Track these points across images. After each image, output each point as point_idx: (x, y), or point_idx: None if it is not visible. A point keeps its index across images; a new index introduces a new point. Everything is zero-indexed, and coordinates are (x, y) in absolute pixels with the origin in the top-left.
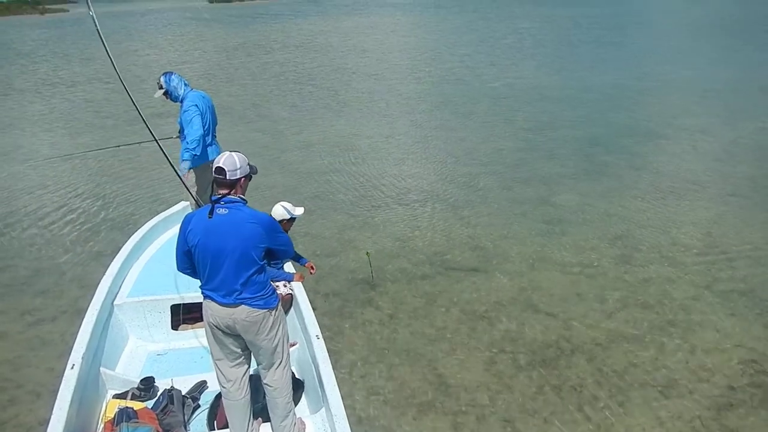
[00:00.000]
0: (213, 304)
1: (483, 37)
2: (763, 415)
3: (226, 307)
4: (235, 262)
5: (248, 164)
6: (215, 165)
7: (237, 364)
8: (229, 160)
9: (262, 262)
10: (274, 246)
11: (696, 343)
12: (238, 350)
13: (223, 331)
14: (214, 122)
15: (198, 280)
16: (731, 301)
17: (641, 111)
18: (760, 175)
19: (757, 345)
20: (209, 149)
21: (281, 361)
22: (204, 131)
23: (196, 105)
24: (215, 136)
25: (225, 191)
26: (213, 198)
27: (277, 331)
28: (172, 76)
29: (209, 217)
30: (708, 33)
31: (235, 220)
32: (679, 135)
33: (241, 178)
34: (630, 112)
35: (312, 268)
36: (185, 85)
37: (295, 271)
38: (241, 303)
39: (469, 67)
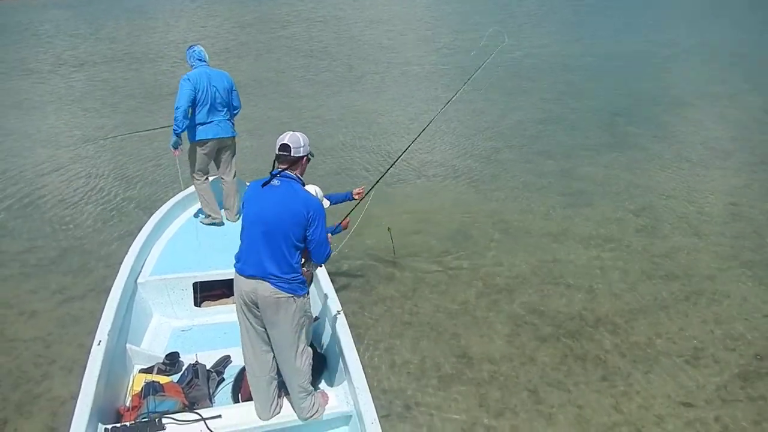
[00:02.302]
0: (240, 276)
1: (503, 3)
2: None
3: (251, 279)
4: (271, 235)
5: (309, 146)
6: (279, 142)
7: (263, 342)
8: (294, 138)
9: (298, 244)
10: (309, 234)
11: (722, 313)
12: (263, 331)
13: (249, 307)
14: (222, 100)
15: (216, 260)
16: (758, 271)
17: (666, 79)
18: None
19: None
20: (205, 127)
21: (297, 352)
22: (186, 107)
23: (188, 79)
24: (223, 114)
25: (285, 167)
26: (273, 172)
27: (297, 320)
28: (189, 51)
29: (262, 187)
30: None
31: (284, 195)
32: (705, 103)
33: (303, 156)
34: (654, 80)
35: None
36: (198, 59)
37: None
38: (266, 279)
39: (489, 37)
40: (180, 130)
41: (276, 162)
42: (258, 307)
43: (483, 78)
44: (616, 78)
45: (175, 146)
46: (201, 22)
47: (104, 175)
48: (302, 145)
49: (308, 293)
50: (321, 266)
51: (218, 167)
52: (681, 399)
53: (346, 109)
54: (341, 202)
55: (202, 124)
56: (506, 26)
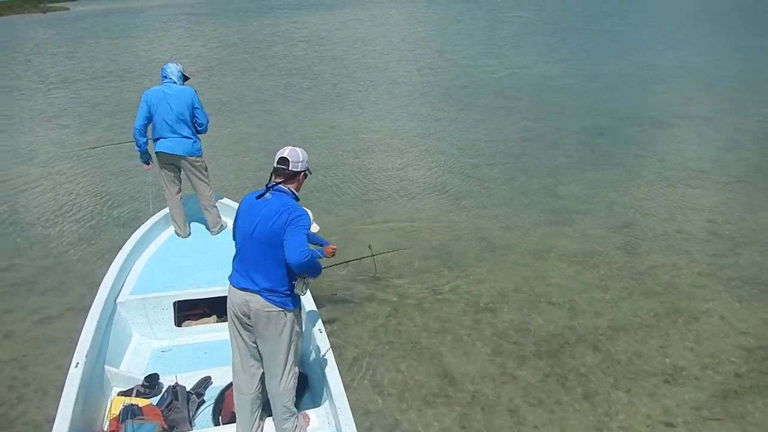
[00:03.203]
0: (233, 288)
1: (484, 26)
2: None
3: (244, 291)
4: (263, 249)
5: (307, 162)
6: (279, 155)
7: (251, 359)
8: (293, 153)
9: None
10: (285, 233)
11: (701, 331)
12: (254, 345)
13: (241, 321)
14: (176, 117)
15: (198, 278)
16: (736, 289)
17: (646, 100)
18: (764, 163)
19: (763, 332)
20: (159, 142)
21: (285, 369)
22: (139, 124)
23: (144, 96)
24: (178, 131)
25: (281, 180)
26: (269, 185)
27: (285, 336)
28: (163, 68)
29: (256, 199)
30: (713, 20)
31: (274, 208)
32: (683, 123)
33: (301, 171)
34: (634, 101)
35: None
36: (163, 77)
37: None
38: (257, 293)
39: (471, 56)
40: (139, 147)
41: (273, 175)
42: (250, 320)
43: (468, 96)
44: (597, 98)
45: (144, 161)
46: (184, 41)
47: (83, 193)
48: (301, 160)
49: (300, 309)
50: (309, 280)
51: (191, 184)
52: (661, 418)
53: (329, 127)
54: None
55: (156, 138)
56: (488, 47)
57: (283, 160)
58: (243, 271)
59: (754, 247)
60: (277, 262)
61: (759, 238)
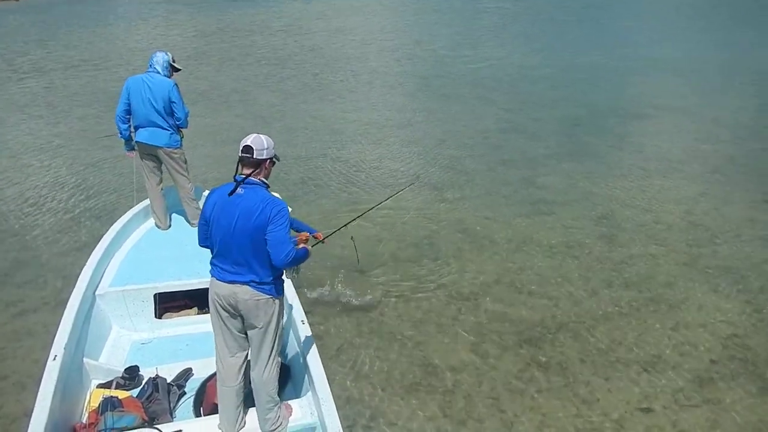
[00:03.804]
0: (218, 282)
1: (463, 16)
2: (744, 387)
3: (231, 284)
4: (245, 243)
5: (274, 148)
6: (243, 143)
7: (236, 349)
8: (257, 141)
9: None
10: (268, 232)
11: (679, 320)
12: (240, 335)
13: (226, 311)
14: (154, 108)
15: (178, 270)
16: (713, 278)
17: (623, 91)
18: (740, 154)
19: (738, 320)
20: (138, 131)
21: (270, 356)
22: (119, 111)
23: (125, 84)
24: (155, 122)
25: (249, 171)
26: (237, 178)
27: (274, 322)
28: (151, 56)
29: (228, 196)
30: (691, 12)
31: (250, 203)
32: (661, 114)
33: (267, 159)
34: (612, 92)
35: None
36: (150, 65)
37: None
38: (246, 284)
39: (450, 47)
40: (121, 134)
41: (239, 165)
42: (237, 312)
43: (447, 87)
44: (576, 89)
45: (128, 149)
46: (161, 30)
47: (60, 184)
48: (266, 147)
49: (284, 296)
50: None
51: (170, 176)
52: (640, 405)
53: (310, 117)
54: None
55: (136, 128)
56: (467, 38)
57: (247, 149)
58: (227, 266)
59: (731, 236)
60: (262, 255)
61: (735, 228)
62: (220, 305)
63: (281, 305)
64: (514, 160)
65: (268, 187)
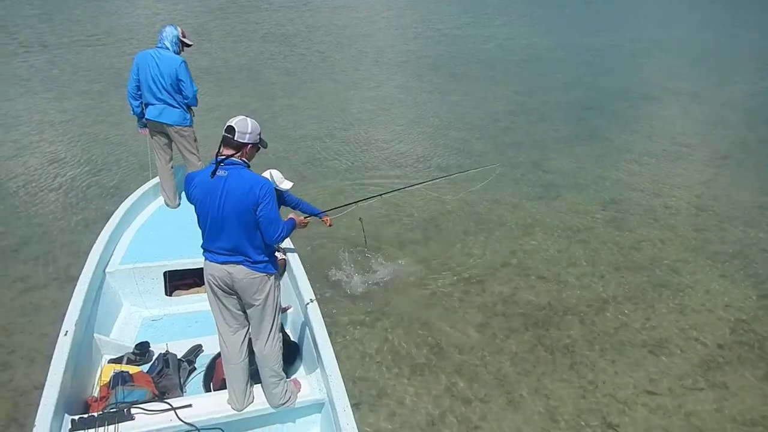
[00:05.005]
0: (212, 263)
1: None
2: (750, 371)
3: (225, 265)
4: (234, 223)
5: (259, 134)
6: (227, 123)
7: (237, 326)
8: (242, 123)
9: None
10: (258, 213)
11: (686, 304)
12: (239, 312)
13: (223, 290)
14: (162, 85)
15: (188, 248)
16: (721, 263)
17: (634, 74)
18: (750, 139)
19: (746, 305)
20: (147, 108)
21: (270, 331)
22: (130, 88)
23: (135, 58)
24: (164, 98)
25: (230, 152)
26: (218, 159)
27: (271, 298)
28: (161, 30)
29: (211, 178)
30: None
31: (234, 183)
32: (671, 98)
33: (248, 144)
34: (622, 75)
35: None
36: (159, 40)
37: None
38: (240, 263)
39: (458, 26)
40: (133, 111)
41: (222, 145)
42: (233, 290)
43: (457, 68)
44: (586, 72)
45: (141, 126)
46: (165, 4)
47: (70, 161)
48: (249, 131)
49: (278, 272)
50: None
51: (180, 154)
52: (645, 387)
53: (317, 96)
54: (308, 213)
55: (146, 105)
56: (475, 17)
57: (230, 129)
58: (219, 248)
59: (739, 222)
60: (253, 235)
61: (744, 213)
62: (216, 285)
63: (275, 282)
64: (522, 142)
65: (248, 166)
